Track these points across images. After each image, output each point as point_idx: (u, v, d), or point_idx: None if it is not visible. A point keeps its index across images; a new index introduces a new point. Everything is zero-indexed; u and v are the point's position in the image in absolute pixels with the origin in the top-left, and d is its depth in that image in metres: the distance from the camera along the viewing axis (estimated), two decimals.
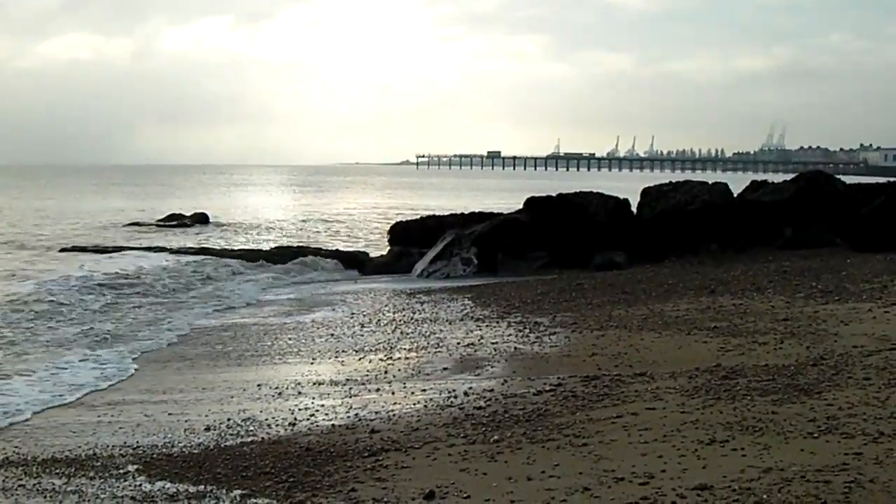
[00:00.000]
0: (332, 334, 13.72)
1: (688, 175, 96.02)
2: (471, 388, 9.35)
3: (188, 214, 39.23)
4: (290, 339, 13.64)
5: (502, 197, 62.80)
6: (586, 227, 21.86)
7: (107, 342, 13.45)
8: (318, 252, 25.63)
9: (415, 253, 23.64)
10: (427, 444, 7.31)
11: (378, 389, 9.72)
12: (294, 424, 8.45)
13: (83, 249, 26.77)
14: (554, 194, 23.41)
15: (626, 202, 23.06)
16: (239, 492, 6.51)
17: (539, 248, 21.97)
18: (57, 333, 14.04)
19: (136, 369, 11.69)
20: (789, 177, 25.60)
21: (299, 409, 9.01)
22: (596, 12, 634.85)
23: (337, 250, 26.58)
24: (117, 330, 14.51)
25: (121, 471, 7.25)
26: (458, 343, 12.13)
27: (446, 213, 27.13)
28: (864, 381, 8.03)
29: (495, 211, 26.50)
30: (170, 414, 9.25)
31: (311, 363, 11.63)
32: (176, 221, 37.49)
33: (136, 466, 7.34)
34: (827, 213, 22.17)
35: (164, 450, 7.85)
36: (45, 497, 6.69)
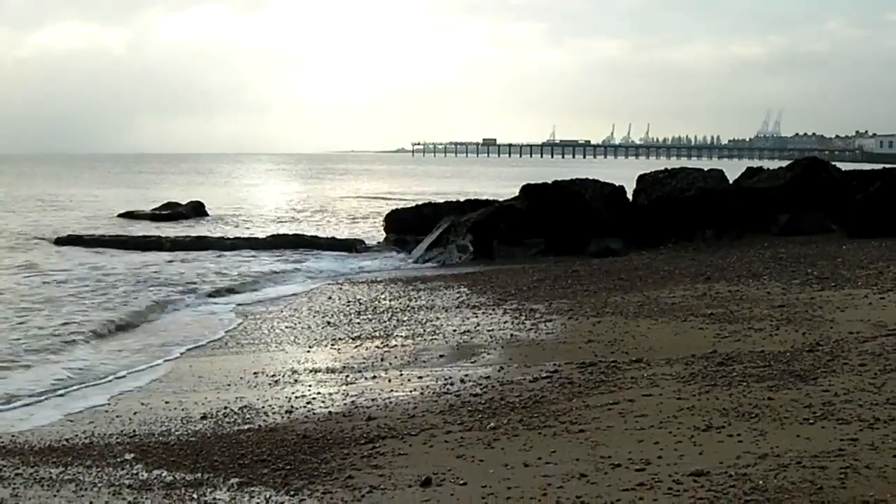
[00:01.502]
0: (329, 322, 13.72)
1: (683, 162, 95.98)
2: (467, 375, 9.36)
3: (184, 203, 39.08)
4: (286, 326, 13.64)
5: (498, 184, 62.74)
6: (582, 214, 21.86)
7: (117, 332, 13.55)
8: (314, 240, 25.63)
9: (411, 240, 23.67)
10: (424, 431, 7.31)
11: (375, 377, 9.72)
12: (291, 412, 8.45)
13: (79, 239, 26.68)
14: (550, 181, 23.40)
15: (621, 189, 23.06)
16: (236, 479, 6.50)
17: (535, 235, 21.96)
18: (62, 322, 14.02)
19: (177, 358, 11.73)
20: (785, 163, 25.61)
21: (296, 397, 9.01)
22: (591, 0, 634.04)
23: (333, 238, 26.58)
24: (111, 319, 14.52)
25: (118, 459, 7.24)
26: (455, 330, 12.14)
27: (442, 201, 27.12)
28: (860, 367, 8.05)
29: (491, 198, 26.49)
30: (166, 402, 9.25)
31: (308, 351, 11.64)
32: (171, 210, 37.36)
33: (132, 455, 7.33)
34: (822, 199, 22.21)
35: (160, 438, 7.85)
36: (41, 486, 6.69)
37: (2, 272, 20.13)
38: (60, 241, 26.33)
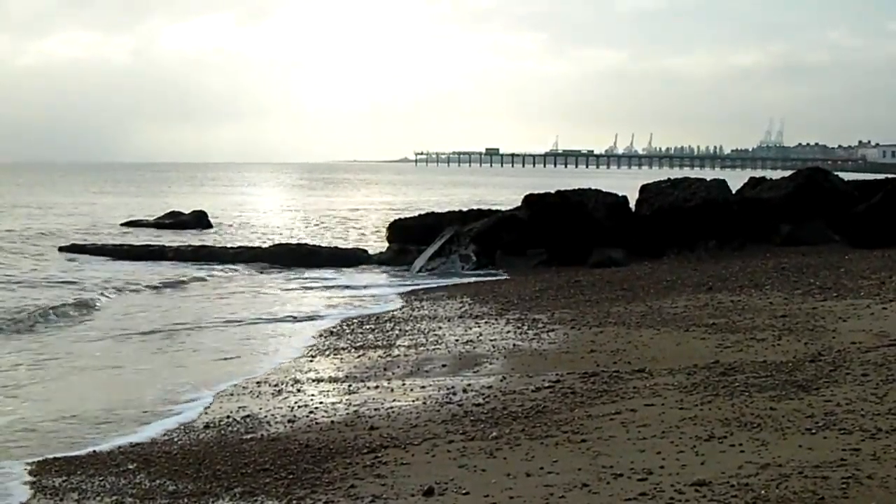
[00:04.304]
0: (332, 331, 13.73)
1: (686, 172, 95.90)
2: (469, 385, 9.36)
3: (186, 212, 39.10)
4: (289, 336, 13.64)
5: (501, 193, 62.80)
6: (585, 224, 21.87)
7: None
8: (316, 249, 25.61)
9: (413, 250, 23.64)
10: (426, 441, 7.32)
11: (377, 386, 9.73)
12: (293, 421, 8.46)
13: (82, 248, 26.70)
14: (552, 191, 23.42)
15: (624, 199, 23.08)
16: (239, 489, 6.51)
17: (537, 245, 21.98)
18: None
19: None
20: (787, 173, 25.62)
21: (299, 406, 9.02)
22: (593, 9, 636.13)
23: (335, 247, 26.55)
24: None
25: (120, 468, 7.25)
26: (457, 340, 12.14)
27: (445, 211, 27.12)
28: (862, 378, 8.05)
29: (494, 208, 26.50)
30: (169, 411, 9.27)
31: (311, 360, 11.64)
32: (174, 219, 37.39)
33: (135, 464, 7.34)
34: (825, 209, 22.24)
35: (163, 447, 7.86)
36: (45, 495, 6.70)
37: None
38: (63, 251, 26.33)
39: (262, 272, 22.44)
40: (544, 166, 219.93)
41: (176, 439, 8.13)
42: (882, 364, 8.51)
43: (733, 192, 23.59)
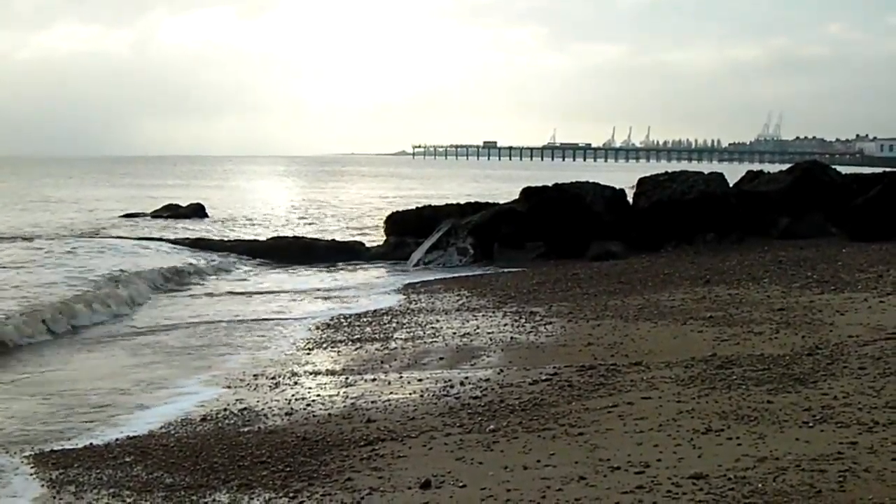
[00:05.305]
0: (329, 324, 13.72)
1: (684, 165, 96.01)
2: (467, 377, 9.36)
3: (184, 205, 39.08)
4: (285, 329, 13.63)
5: (499, 187, 62.77)
6: (582, 217, 21.86)
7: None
8: (313, 242, 25.58)
9: (411, 243, 23.61)
10: (423, 434, 7.32)
11: (374, 379, 9.72)
12: (290, 414, 8.45)
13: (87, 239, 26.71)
14: (550, 184, 23.39)
15: (622, 192, 23.07)
16: (236, 482, 6.50)
17: (535, 237, 21.96)
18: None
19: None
20: (785, 167, 25.60)
21: (296, 399, 9.02)
22: (593, 4, 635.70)
23: (333, 240, 26.52)
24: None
25: (118, 461, 7.24)
26: (455, 333, 12.14)
27: (442, 203, 27.09)
28: (860, 371, 8.06)
29: (492, 200, 26.48)
30: (166, 404, 9.26)
31: (308, 353, 11.63)
32: (171, 212, 37.36)
33: (132, 457, 7.33)
34: (823, 203, 22.23)
35: (161, 440, 7.85)
36: (42, 487, 6.68)
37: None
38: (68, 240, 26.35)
39: (259, 265, 22.45)
40: (542, 159, 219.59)
41: (173, 432, 8.11)
42: (879, 357, 8.52)
43: (731, 185, 23.57)
